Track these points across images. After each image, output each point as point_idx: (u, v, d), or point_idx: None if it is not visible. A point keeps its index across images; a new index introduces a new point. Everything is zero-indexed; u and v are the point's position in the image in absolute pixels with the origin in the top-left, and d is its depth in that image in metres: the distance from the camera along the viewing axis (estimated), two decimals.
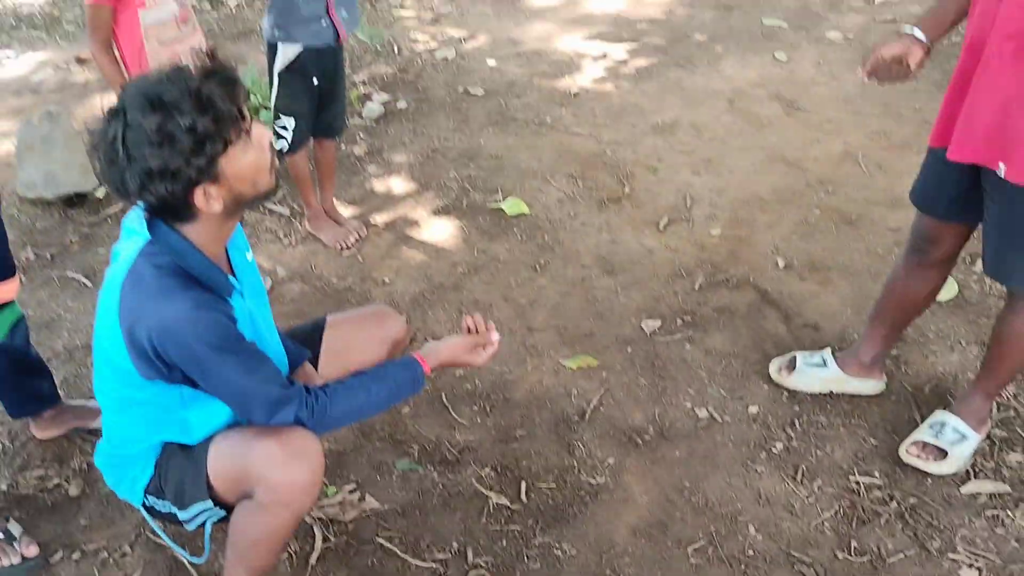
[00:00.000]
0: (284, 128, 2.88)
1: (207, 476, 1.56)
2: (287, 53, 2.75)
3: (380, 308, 2.07)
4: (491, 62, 4.49)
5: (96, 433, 2.20)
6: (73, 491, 2.12)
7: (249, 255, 1.70)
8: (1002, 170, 1.79)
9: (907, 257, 2.19)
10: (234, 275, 1.62)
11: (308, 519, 2.04)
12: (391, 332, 1.96)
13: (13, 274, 1.98)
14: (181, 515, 1.63)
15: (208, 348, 1.40)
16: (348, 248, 3.06)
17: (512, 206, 3.28)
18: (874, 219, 3.18)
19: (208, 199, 1.40)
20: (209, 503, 1.59)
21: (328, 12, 2.71)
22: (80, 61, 4.47)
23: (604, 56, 4.54)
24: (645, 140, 3.76)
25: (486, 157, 3.64)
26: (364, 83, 4.25)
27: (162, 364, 1.43)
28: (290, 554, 1.96)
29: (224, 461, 1.55)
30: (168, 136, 1.32)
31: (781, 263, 2.97)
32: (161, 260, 1.43)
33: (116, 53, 2.48)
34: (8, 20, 5.07)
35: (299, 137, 2.90)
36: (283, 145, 2.90)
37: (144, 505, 1.67)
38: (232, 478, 1.54)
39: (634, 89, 4.20)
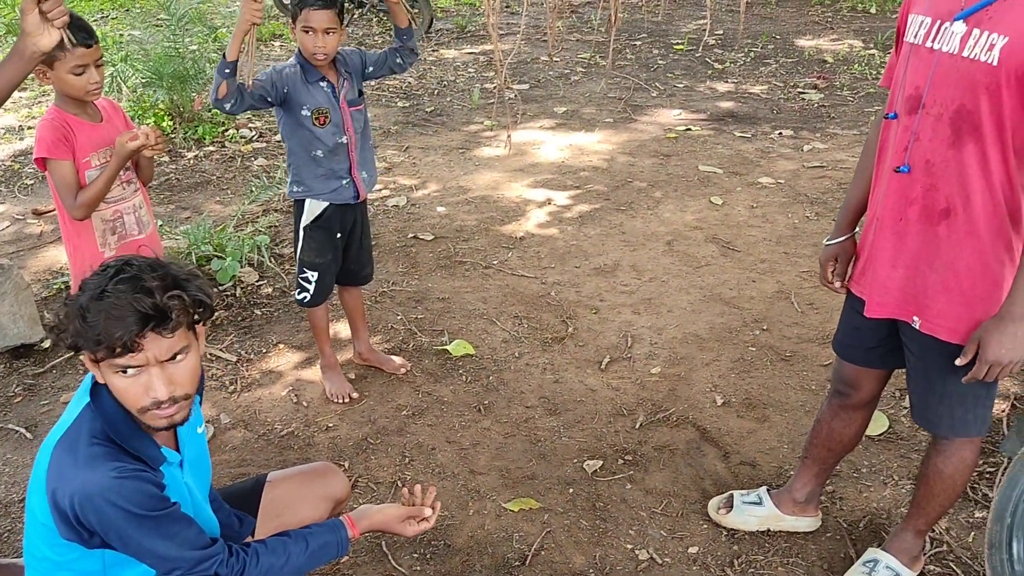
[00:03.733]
0: (307, 281, 2.94)
1: None
2: (313, 209, 2.84)
3: (324, 465, 2.06)
4: (441, 209, 4.67)
5: None
6: None
7: (200, 428, 1.73)
8: (917, 323, 1.91)
9: (830, 399, 2.28)
10: (176, 446, 1.63)
11: None
12: (333, 491, 1.96)
13: None
14: None
15: (127, 516, 1.41)
16: (344, 402, 3.05)
17: (457, 347, 3.35)
18: (807, 356, 3.29)
19: (91, 365, 1.45)
20: None
21: (351, 172, 2.83)
22: (37, 214, 4.56)
23: (549, 202, 4.75)
24: (588, 281, 3.90)
25: (433, 300, 3.74)
26: None
27: (82, 529, 1.44)
28: None
29: None
30: (67, 300, 1.44)
31: (719, 400, 3.05)
32: (94, 426, 1.47)
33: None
34: None
35: (320, 290, 2.96)
36: (304, 297, 2.97)
37: None
38: None
39: (577, 233, 4.38)
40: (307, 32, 2.61)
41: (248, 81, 2.58)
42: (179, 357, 1.45)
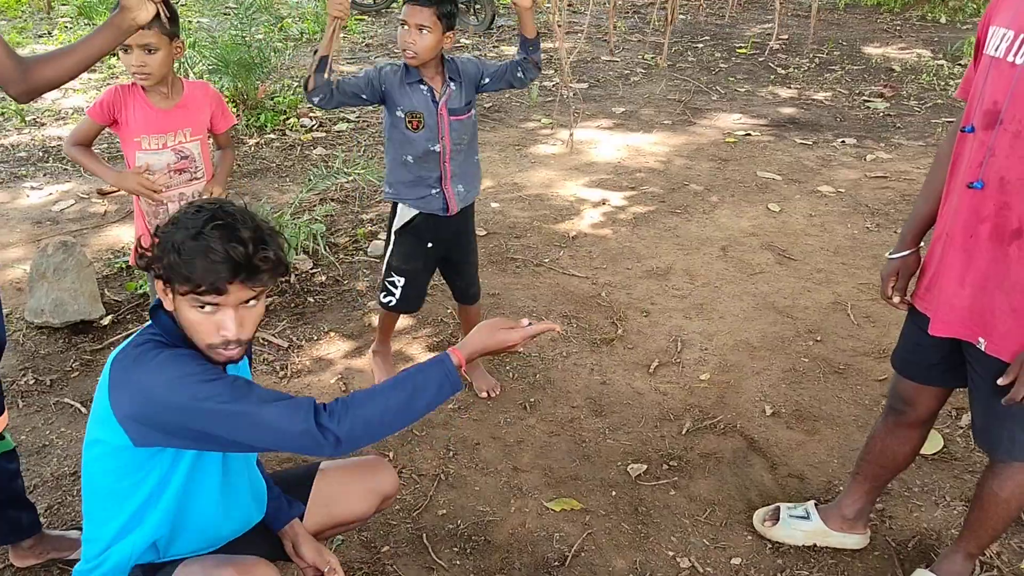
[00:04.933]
0: (393, 285, 2.89)
1: None
2: (403, 215, 2.79)
3: (374, 459, 2.07)
4: (494, 205, 4.68)
5: (73, 564, 2.20)
6: None
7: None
8: (982, 345, 1.85)
9: (886, 416, 2.23)
10: None
11: None
12: (382, 486, 1.97)
13: (2, 412, 2.04)
14: None
15: (193, 383, 1.47)
16: None
17: None
18: (862, 370, 3.22)
19: (164, 295, 1.55)
20: None
21: (441, 183, 2.74)
22: (102, 194, 4.68)
23: (603, 202, 4.72)
24: (639, 284, 3.87)
25: (483, 295, 3.73)
26: (371, 221, 4.42)
27: (152, 429, 1.50)
28: None
29: None
30: (166, 228, 1.53)
31: (769, 410, 3.00)
32: (151, 334, 1.56)
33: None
34: (37, 153, 5.34)
35: (407, 297, 2.90)
36: (390, 301, 2.92)
37: None
38: None
39: (631, 234, 4.35)
40: (402, 26, 2.56)
41: (333, 77, 2.53)
42: (252, 303, 1.54)
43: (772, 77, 7.13)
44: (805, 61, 7.50)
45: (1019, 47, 1.71)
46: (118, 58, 2.66)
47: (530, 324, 1.70)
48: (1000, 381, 1.78)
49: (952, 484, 2.63)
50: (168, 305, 1.56)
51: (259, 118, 5.78)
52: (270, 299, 3.66)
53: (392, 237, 2.85)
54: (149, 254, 1.55)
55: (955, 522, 2.46)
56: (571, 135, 5.10)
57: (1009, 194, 1.74)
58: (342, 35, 8.14)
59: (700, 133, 5.84)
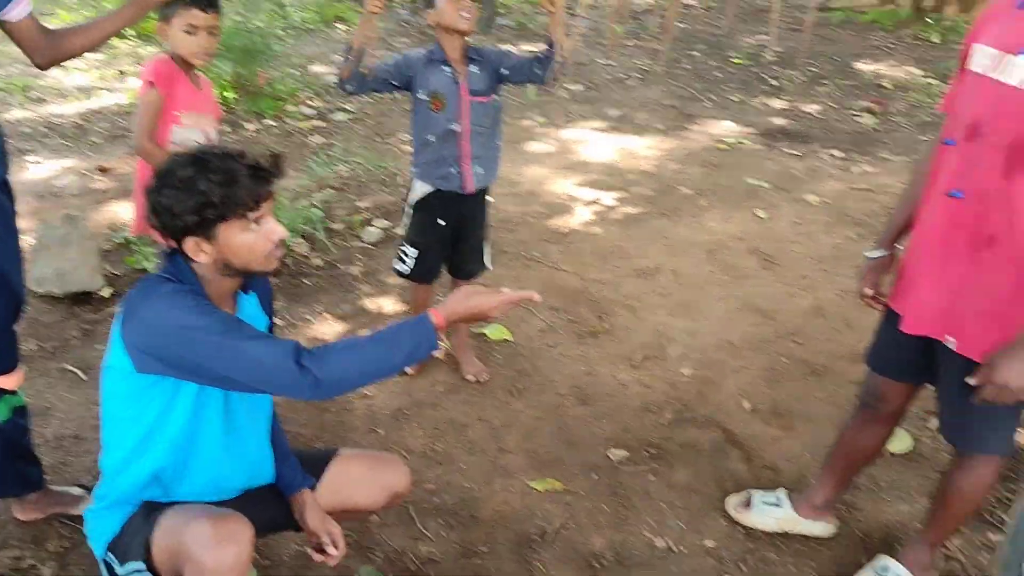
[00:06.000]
0: (405, 254, 3.02)
1: (148, 540, 1.67)
2: (418, 190, 2.92)
3: (392, 457, 2.13)
4: (488, 199, 4.76)
5: (76, 520, 2.28)
6: (46, 573, 2.18)
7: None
8: (953, 344, 1.97)
9: (858, 411, 2.34)
10: None
11: None
12: (395, 483, 2.01)
13: (16, 366, 2.12)
14: (119, 570, 1.72)
15: (187, 313, 1.59)
16: (406, 374, 3.14)
17: (495, 332, 3.45)
18: (838, 371, 3.34)
19: (197, 251, 1.64)
20: (142, 565, 1.69)
21: (459, 162, 2.85)
22: (102, 170, 4.74)
23: (595, 202, 4.83)
24: (627, 282, 3.97)
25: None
26: (368, 209, 4.50)
27: (150, 355, 1.61)
28: None
29: (166, 532, 1.66)
30: (185, 187, 1.59)
31: (747, 406, 3.11)
32: (164, 274, 1.69)
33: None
34: (40, 129, 5.40)
35: (419, 268, 3.02)
36: (403, 269, 3.05)
37: (104, 560, 1.76)
38: (168, 551, 1.64)
39: (621, 234, 4.46)
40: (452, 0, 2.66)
41: (366, 68, 2.66)
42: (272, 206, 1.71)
43: (765, 88, 7.27)
44: (797, 74, 7.64)
45: (1001, 64, 1.82)
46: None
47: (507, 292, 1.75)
48: (970, 380, 1.89)
49: (919, 482, 2.75)
50: (204, 258, 1.65)
51: (258, 104, 5.85)
52: None
53: (408, 210, 2.98)
54: (164, 220, 1.64)
55: (919, 516, 2.57)
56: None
57: (986, 204, 1.85)
58: (380, 25, 8.24)
59: (692, 139, 5.96)
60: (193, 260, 1.67)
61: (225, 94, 5.84)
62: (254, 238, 1.65)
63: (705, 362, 3.38)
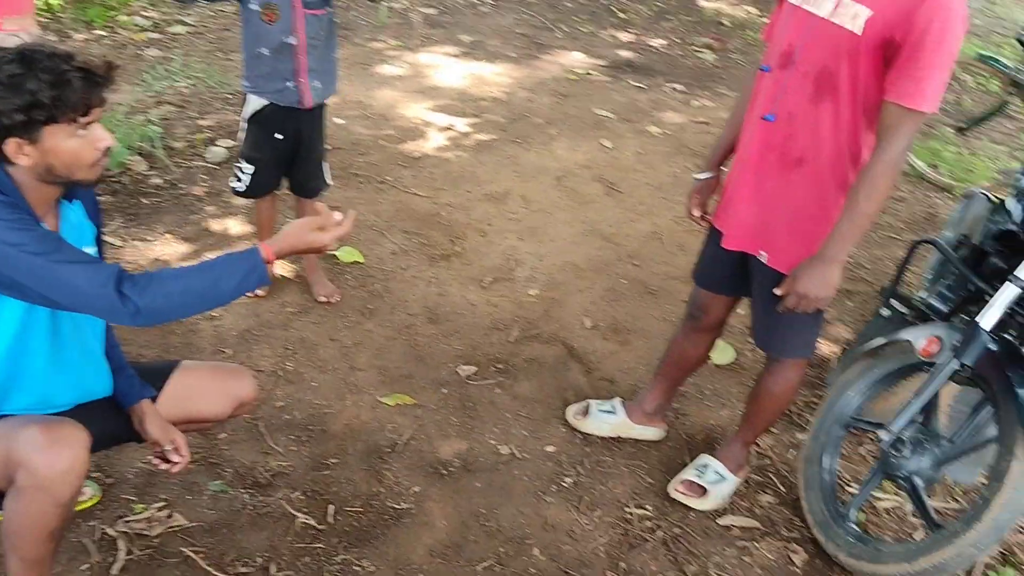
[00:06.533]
0: (241, 171, 2.96)
1: None
2: (253, 104, 2.84)
3: (236, 367, 2.12)
4: (339, 120, 4.69)
5: None
6: None
7: (90, 249, 1.81)
8: (764, 257, 2.16)
9: (684, 323, 2.54)
10: None
11: (112, 532, 2.09)
12: (240, 391, 2.00)
13: None
14: None
15: (2, 229, 1.52)
16: (252, 295, 3.06)
17: (347, 254, 3.45)
18: (671, 291, 3.57)
19: (18, 153, 1.57)
20: None
21: (296, 76, 2.78)
22: None
23: (448, 127, 4.84)
24: (478, 206, 4.05)
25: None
26: (210, 128, 4.33)
27: None
28: (91, 564, 2.00)
29: None
30: (11, 84, 1.51)
31: (588, 323, 3.29)
32: None
33: None
34: None
35: (256, 184, 2.97)
36: (238, 187, 2.98)
37: None
38: (0, 461, 1.61)
39: (472, 160, 4.51)
40: None
41: None
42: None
43: (613, 20, 7.42)
44: (644, 8, 7.83)
45: None
46: None
47: (342, 221, 1.75)
48: (776, 291, 2.09)
49: (739, 390, 3.02)
50: (24, 161, 1.57)
51: (86, 12, 5.44)
52: (102, 198, 3.57)
53: (243, 125, 2.92)
54: None
55: (738, 420, 2.83)
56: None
57: (795, 127, 2.03)
58: None
59: (543, 68, 6.04)
60: (11, 163, 1.59)
61: (50, 1, 5.40)
62: (80, 144, 1.59)
63: (551, 283, 3.53)
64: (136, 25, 5.55)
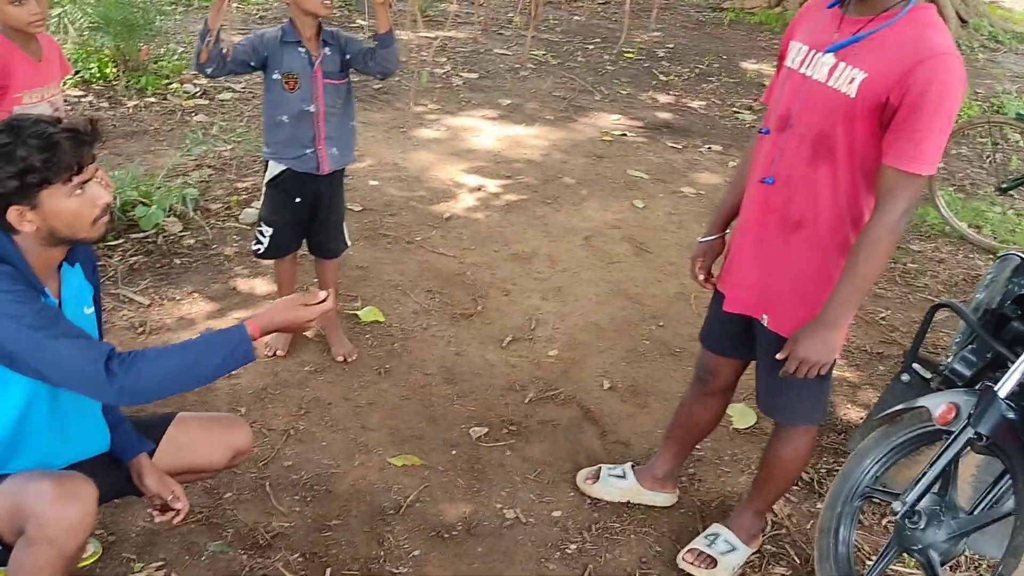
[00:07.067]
0: (261, 234, 3.04)
1: None
2: (272, 170, 2.93)
3: (230, 416, 2.19)
4: (373, 182, 4.79)
5: None
6: None
7: (88, 310, 1.87)
8: (766, 321, 2.12)
9: (693, 385, 2.49)
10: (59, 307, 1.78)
11: None
12: (236, 440, 2.06)
13: None
14: None
15: (2, 300, 1.57)
16: (269, 355, 3.14)
17: (368, 313, 3.49)
18: (695, 353, 3.43)
19: (21, 219, 1.62)
20: None
21: (315, 143, 2.86)
22: None
23: (479, 188, 4.90)
24: (504, 265, 4.07)
25: (352, 267, 3.87)
26: (247, 190, 4.46)
27: None
28: None
29: (4, 495, 1.65)
30: (3, 154, 1.58)
31: (607, 385, 3.24)
32: None
33: None
34: None
35: (275, 246, 3.05)
36: (258, 249, 3.06)
37: None
38: (9, 513, 1.63)
39: (502, 219, 4.54)
40: None
41: (226, 48, 2.64)
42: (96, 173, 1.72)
43: (654, 83, 7.48)
44: (686, 70, 7.88)
45: (810, 61, 1.97)
46: None
47: (326, 299, 1.81)
48: (777, 356, 2.04)
49: (759, 455, 2.91)
50: (28, 227, 1.63)
51: (140, 80, 5.70)
52: (135, 258, 3.68)
53: (264, 189, 3.00)
54: None
55: None
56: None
57: (794, 190, 2.00)
58: (234, 5, 8.04)
59: (579, 130, 6.10)
60: (16, 232, 1.65)
61: (105, 70, 5.67)
62: (79, 203, 1.65)
63: (571, 343, 3.50)
64: (185, 92, 5.78)
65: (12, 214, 1.62)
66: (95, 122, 1.70)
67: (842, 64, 1.90)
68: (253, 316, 1.76)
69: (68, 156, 1.61)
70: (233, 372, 3.02)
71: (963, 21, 9.36)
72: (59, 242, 1.69)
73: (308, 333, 3.32)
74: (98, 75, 5.70)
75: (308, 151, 2.87)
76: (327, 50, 2.82)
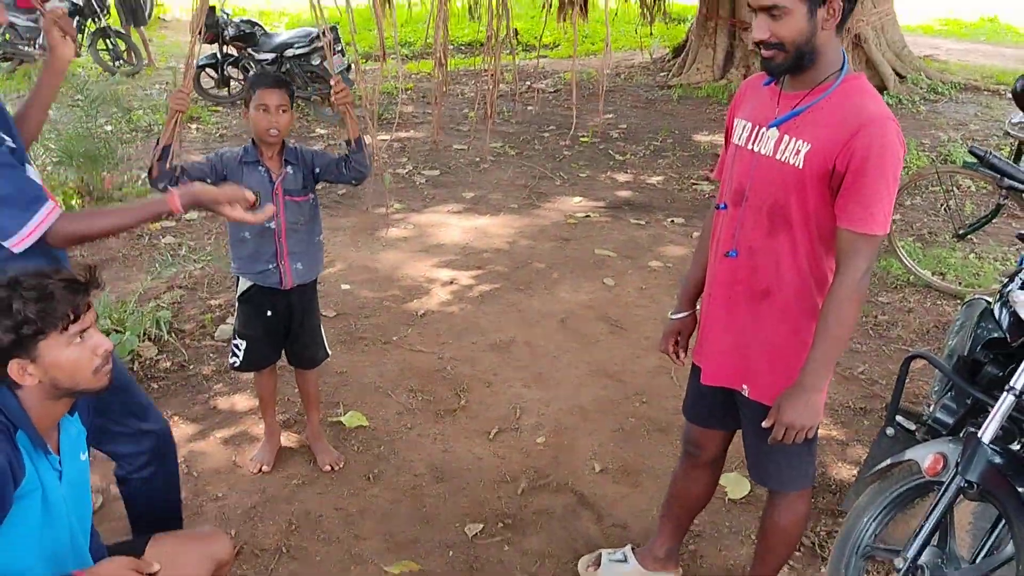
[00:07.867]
0: (237, 348, 3.05)
1: None
2: (241, 285, 2.97)
3: (210, 529, 2.19)
4: (345, 286, 4.82)
5: None
6: None
7: (84, 456, 1.86)
8: (746, 391, 2.15)
9: (682, 460, 2.50)
10: (59, 463, 1.77)
11: None
12: (217, 552, 2.05)
13: None
14: None
15: None
16: (255, 471, 3.13)
17: (351, 419, 3.47)
18: (681, 426, 3.47)
19: (23, 373, 1.62)
20: None
21: (277, 258, 2.88)
22: None
23: (451, 282, 4.95)
24: (483, 357, 4.08)
25: (332, 374, 3.86)
26: (220, 307, 4.47)
27: None
28: None
29: None
30: (10, 306, 1.58)
31: (598, 467, 3.23)
32: None
33: None
34: None
35: (251, 359, 3.05)
36: (234, 362, 3.07)
37: None
38: None
39: (476, 311, 4.58)
40: (261, 110, 2.72)
41: (176, 164, 2.68)
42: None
43: (611, 163, 7.66)
44: (641, 148, 8.10)
45: (756, 136, 2.05)
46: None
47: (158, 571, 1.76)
48: (763, 424, 2.06)
49: (757, 524, 2.90)
50: (30, 381, 1.63)
51: None
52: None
53: (237, 304, 3.03)
54: None
55: None
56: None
57: (756, 260, 2.06)
58: (193, 126, 8.20)
59: (544, 215, 6.21)
60: (19, 387, 1.65)
61: (70, 202, 5.72)
62: (79, 352, 1.65)
63: (558, 429, 3.49)
64: None
65: (13, 368, 1.62)
66: (93, 269, 1.72)
67: (787, 137, 1.98)
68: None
69: (63, 305, 1.62)
70: (219, 492, 2.99)
71: (901, 77, 9.72)
72: (63, 395, 1.69)
73: (293, 444, 3.29)
74: (64, 208, 5.74)
75: (271, 266, 2.89)
76: (289, 169, 2.85)
